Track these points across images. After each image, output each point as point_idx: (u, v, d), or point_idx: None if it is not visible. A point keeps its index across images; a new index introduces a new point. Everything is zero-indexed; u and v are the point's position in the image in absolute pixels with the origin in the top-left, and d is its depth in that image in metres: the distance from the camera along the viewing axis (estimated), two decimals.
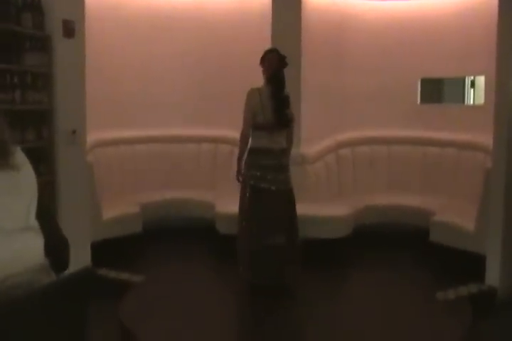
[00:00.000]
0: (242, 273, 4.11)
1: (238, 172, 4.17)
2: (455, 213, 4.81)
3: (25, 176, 1.49)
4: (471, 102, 5.88)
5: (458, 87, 5.99)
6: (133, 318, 3.50)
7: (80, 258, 3.94)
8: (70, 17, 4.07)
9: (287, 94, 4.10)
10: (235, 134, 5.55)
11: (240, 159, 4.16)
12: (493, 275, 4.03)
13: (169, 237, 5.30)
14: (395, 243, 5.16)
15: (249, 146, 4.12)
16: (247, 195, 4.07)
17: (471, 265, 4.21)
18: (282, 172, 4.07)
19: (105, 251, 4.44)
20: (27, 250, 1.41)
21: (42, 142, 3.95)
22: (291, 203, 4.12)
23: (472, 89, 5.82)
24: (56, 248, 1.51)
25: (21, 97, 3.76)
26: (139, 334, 3.27)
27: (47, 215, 1.53)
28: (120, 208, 5.07)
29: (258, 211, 4.04)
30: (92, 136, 4.80)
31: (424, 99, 6.05)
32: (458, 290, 3.96)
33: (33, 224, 1.43)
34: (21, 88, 3.76)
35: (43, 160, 3.94)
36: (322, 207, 5.09)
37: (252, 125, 4.07)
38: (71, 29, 4.07)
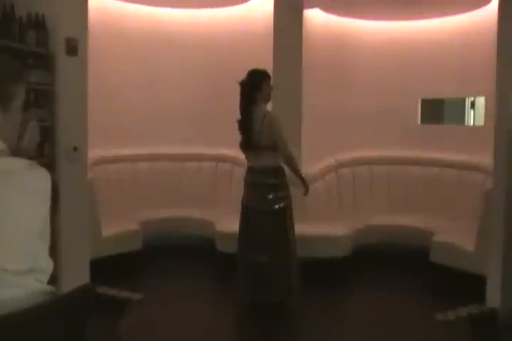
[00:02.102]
0: (239, 289, 4.13)
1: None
2: (455, 233, 4.79)
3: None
4: (471, 123, 5.90)
5: (458, 107, 6.01)
6: (132, 336, 3.47)
7: (79, 276, 3.94)
8: (73, 35, 4.10)
9: (257, 110, 4.04)
10: (235, 153, 5.59)
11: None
12: (493, 297, 4.00)
13: (169, 255, 5.28)
14: (394, 263, 5.14)
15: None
16: (240, 213, 4.13)
17: (472, 286, 4.18)
18: (268, 191, 4.02)
19: (105, 268, 4.41)
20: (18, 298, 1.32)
21: (43, 159, 3.95)
22: (278, 223, 4.05)
23: (472, 110, 5.84)
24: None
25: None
26: None
27: None
28: (120, 225, 5.06)
29: (244, 229, 4.09)
30: (93, 154, 4.81)
31: (424, 120, 6.07)
32: (458, 312, 3.93)
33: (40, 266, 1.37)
34: (24, 105, 3.77)
35: None
36: (321, 226, 5.08)
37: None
38: (74, 47, 4.11)
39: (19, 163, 1.39)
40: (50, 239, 1.44)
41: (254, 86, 4.01)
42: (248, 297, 4.07)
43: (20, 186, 1.35)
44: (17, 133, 1.53)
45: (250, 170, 4.11)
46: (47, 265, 1.39)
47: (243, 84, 4.03)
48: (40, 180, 1.39)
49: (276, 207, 4.02)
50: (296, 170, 4.11)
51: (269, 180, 4.04)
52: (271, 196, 4.01)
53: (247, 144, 4.06)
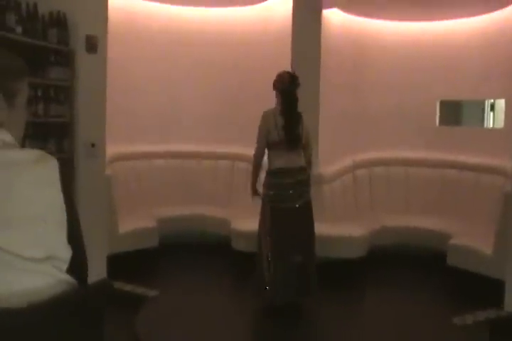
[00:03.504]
0: (261, 290, 4.08)
1: (252, 189, 4.22)
2: (473, 237, 4.75)
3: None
4: (491, 125, 5.85)
5: (477, 109, 5.96)
6: (148, 332, 3.49)
7: (96, 271, 3.96)
8: (93, 33, 4.14)
9: (299, 112, 4.10)
10: (252, 152, 5.59)
11: (253, 178, 4.23)
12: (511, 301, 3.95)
13: (185, 252, 5.30)
14: (410, 265, 5.10)
15: (268, 167, 4.13)
16: (268, 215, 4.06)
17: (490, 290, 4.14)
18: (300, 187, 4.06)
19: (121, 264, 4.44)
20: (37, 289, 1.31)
21: (63, 154, 3.99)
22: (309, 218, 4.11)
23: (492, 113, 5.79)
24: (80, 269, 1.47)
25: (44, 110, 3.82)
26: None
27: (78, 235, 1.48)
28: (137, 222, 5.09)
29: (278, 230, 4.03)
30: (111, 150, 4.84)
31: (442, 121, 6.03)
32: (476, 316, 3.89)
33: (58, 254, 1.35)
34: (44, 101, 3.82)
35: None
36: (338, 226, 5.06)
37: (268, 145, 4.10)
38: (94, 44, 4.15)
39: (29, 154, 1.39)
40: (77, 229, 1.45)
41: (297, 88, 4.07)
42: (276, 297, 4.00)
43: (31, 176, 1.35)
44: (22, 129, 1.52)
45: (281, 172, 4.06)
46: (65, 253, 1.39)
47: (289, 87, 4.04)
48: (50, 169, 1.39)
49: (307, 199, 4.08)
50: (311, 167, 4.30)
51: (305, 178, 4.09)
52: (302, 190, 4.06)
53: (293, 144, 4.06)
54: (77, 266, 1.43)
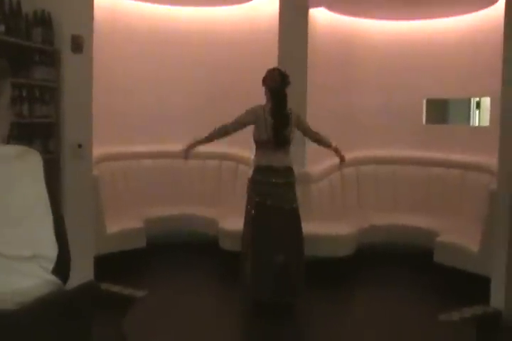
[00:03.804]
0: (245, 289, 4.09)
1: (190, 145, 4.29)
2: (459, 234, 4.79)
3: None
4: (477, 123, 5.89)
5: (463, 108, 6.00)
6: (136, 333, 3.48)
7: (83, 272, 3.94)
8: (78, 32, 4.11)
9: (289, 112, 4.10)
10: (240, 151, 5.59)
11: (201, 139, 4.30)
12: (498, 298, 3.98)
13: (172, 252, 5.29)
14: (398, 263, 5.12)
15: (254, 164, 4.13)
16: (253, 212, 4.06)
17: (476, 286, 4.17)
18: (289, 190, 4.07)
19: (108, 265, 4.42)
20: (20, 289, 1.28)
21: (49, 155, 3.96)
22: (296, 221, 4.11)
23: (478, 111, 5.83)
24: (64, 269, 1.43)
25: (29, 110, 3.79)
26: None
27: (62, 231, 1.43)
28: (124, 222, 5.07)
29: (262, 228, 4.03)
30: (98, 151, 4.81)
31: (429, 120, 6.06)
32: (462, 312, 3.92)
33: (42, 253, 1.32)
34: (29, 101, 3.78)
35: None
36: (326, 225, 5.07)
37: (255, 143, 4.09)
38: (79, 44, 4.12)
39: (10, 150, 1.37)
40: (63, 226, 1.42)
41: (287, 86, 4.08)
42: (265, 298, 4.01)
43: (14, 171, 1.33)
44: (6, 130, 1.47)
45: (268, 170, 4.06)
46: (52, 251, 1.35)
47: (280, 86, 4.03)
48: (33, 164, 1.36)
49: (295, 205, 4.08)
50: (327, 141, 4.38)
51: (291, 179, 4.09)
52: (292, 194, 4.07)
53: (281, 142, 4.05)
54: (61, 265, 1.40)
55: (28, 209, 1.33)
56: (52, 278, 1.36)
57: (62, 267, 1.41)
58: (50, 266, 1.35)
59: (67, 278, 1.47)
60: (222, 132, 4.18)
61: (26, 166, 1.36)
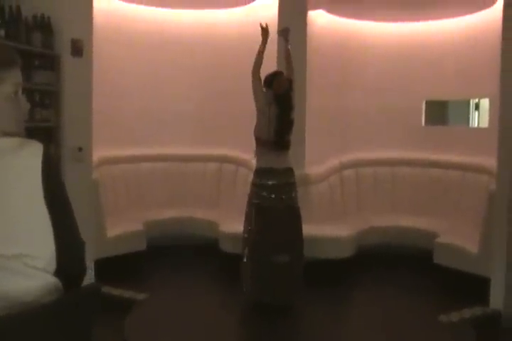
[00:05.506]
0: (246, 290, 4.10)
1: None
2: (459, 235, 4.79)
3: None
4: (476, 125, 5.90)
5: (462, 109, 6.01)
6: (137, 336, 3.48)
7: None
8: (78, 36, 4.13)
9: (292, 118, 4.11)
10: (240, 154, 5.59)
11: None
12: (497, 299, 4.00)
13: (173, 255, 5.29)
14: (398, 264, 5.13)
15: (255, 166, 4.15)
16: (253, 213, 4.08)
17: (475, 288, 4.18)
18: (290, 191, 4.08)
19: (109, 268, 4.43)
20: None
21: None
22: (297, 222, 4.12)
23: (477, 112, 5.84)
24: (69, 253, 1.38)
25: (29, 114, 3.80)
26: None
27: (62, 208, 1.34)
28: (124, 226, 5.07)
29: (264, 229, 4.04)
30: (98, 154, 4.83)
31: (428, 121, 6.07)
32: (461, 313, 3.93)
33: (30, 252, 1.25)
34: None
35: None
36: (325, 227, 5.07)
37: (256, 138, 4.11)
38: (79, 48, 4.14)
39: (9, 142, 1.32)
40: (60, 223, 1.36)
41: (292, 91, 4.09)
42: (265, 299, 4.01)
43: (6, 166, 1.27)
44: (11, 120, 1.41)
45: (268, 172, 4.07)
46: (43, 250, 1.29)
47: (287, 91, 4.04)
48: (27, 159, 1.30)
49: (296, 205, 4.09)
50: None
51: (291, 180, 4.10)
52: (293, 194, 4.07)
53: (282, 147, 4.07)
54: (65, 265, 1.34)
55: (19, 206, 1.27)
56: (47, 276, 1.31)
57: (67, 268, 1.36)
58: (41, 264, 1.29)
59: (77, 278, 1.42)
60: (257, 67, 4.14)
61: (19, 161, 1.29)
